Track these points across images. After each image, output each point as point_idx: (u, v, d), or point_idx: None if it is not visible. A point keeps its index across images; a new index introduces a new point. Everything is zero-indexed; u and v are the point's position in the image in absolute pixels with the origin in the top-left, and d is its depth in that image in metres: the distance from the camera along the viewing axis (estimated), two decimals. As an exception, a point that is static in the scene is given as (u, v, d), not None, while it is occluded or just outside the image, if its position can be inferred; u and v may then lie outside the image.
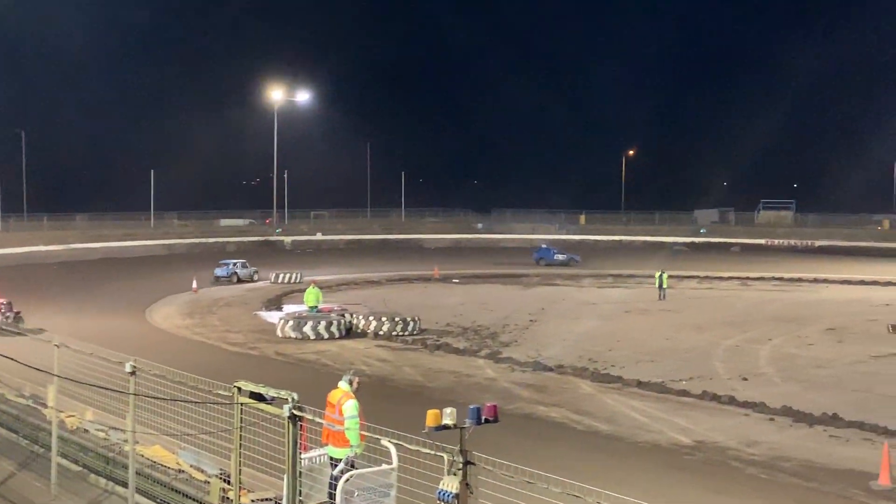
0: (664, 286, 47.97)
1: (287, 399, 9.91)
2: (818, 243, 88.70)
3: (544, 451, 18.86)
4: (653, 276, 50.29)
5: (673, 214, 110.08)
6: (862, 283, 57.46)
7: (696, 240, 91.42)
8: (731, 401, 23.87)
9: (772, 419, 22.20)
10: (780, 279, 59.09)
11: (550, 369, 28.31)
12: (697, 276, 60.44)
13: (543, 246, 75.98)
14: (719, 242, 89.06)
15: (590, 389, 25.78)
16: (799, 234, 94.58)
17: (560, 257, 70.34)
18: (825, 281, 58.38)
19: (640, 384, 25.99)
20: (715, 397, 24.25)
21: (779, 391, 25.31)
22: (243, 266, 58.59)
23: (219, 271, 57.26)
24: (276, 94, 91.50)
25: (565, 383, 26.62)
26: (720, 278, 59.82)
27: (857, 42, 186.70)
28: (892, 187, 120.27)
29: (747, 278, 59.33)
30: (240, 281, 56.79)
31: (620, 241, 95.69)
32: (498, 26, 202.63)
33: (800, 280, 58.85)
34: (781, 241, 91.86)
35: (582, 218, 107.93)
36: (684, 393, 24.95)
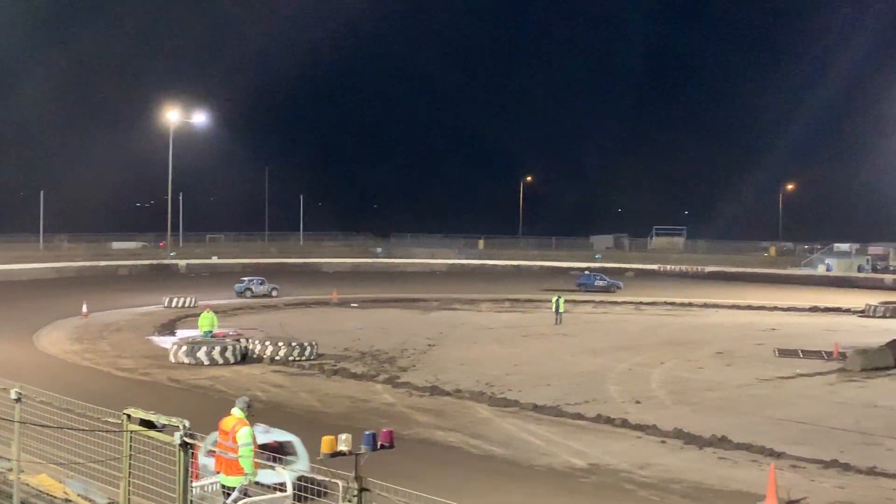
0: (561, 311, 48.62)
1: (178, 426, 9.73)
2: (708, 269, 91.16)
3: (441, 476, 18.86)
4: (549, 301, 50.95)
5: (570, 240, 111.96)
6: (749, 307, 59.20)
7: (592, 265, 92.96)
8: (625, 423, 24.27)
9: (663, 441, 22.64)
10: (672, 304, 60.50)
11: (448, 394, 28.38)
12: (593, 301, 61.45)
13: (586, 272, 75.89)
14: (614, 268, 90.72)
15: (487, 413, 25.91)
16: (690, 260, 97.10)
17: (601, 283, 70.55)
18: (715, 306, 59.99)
19: (536, 408, 26.23)
20: (609, 420, 24.63)
21: (670, 414, 25.85)
22: (260, 283, 63.60)
23: (237, 287, 62.53)
24: (173, 115, 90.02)
25: (463, 408, 26.69)
26: (615, 303, 60.94)
27: (745, 76, 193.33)
28: (779, 215, 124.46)
29: (641, 303, 60.55)
30: (254, 297, 61.12)
31: (518, 265, 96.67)
32: (399, 49, 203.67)
33: (690, 305, 60.36)
34: (673, 266, 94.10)
35: (481, 243, 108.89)
36: (579, 416, 25.27)
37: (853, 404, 28.36)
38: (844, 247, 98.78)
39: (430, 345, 39.91)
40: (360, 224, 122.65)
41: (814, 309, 58.89)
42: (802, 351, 38.57)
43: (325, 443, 9.84)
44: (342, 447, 9.99)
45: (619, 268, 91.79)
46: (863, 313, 55.87)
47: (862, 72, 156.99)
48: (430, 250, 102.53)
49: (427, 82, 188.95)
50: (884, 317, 54.15)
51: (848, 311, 57.79)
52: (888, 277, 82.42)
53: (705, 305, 60.08)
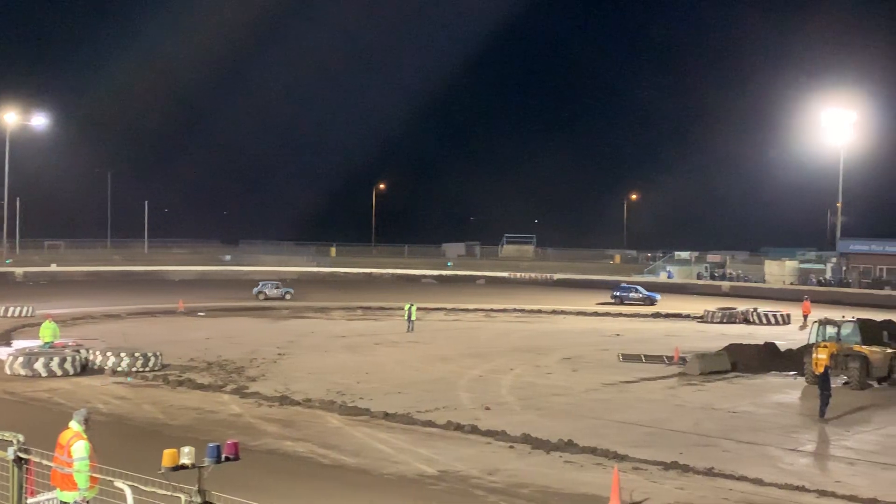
0: (413, 318, 48.77)
1: (12, 441, 9.28)
2: (556, 276, 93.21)
3: (289, 488, 18.58)
4: (402, 308, 51.05)
5: (422, 248, 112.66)
6: (595, 314, 60.78)
7: (444, 272, 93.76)
8: (474, 430, 24.46)
9: (512, 447, 22.92)
10: (522, 311, 61.57)
11: (298, 403, 28.02)
12: (445, 308, 61.93)
13: (622, 284, 75.08)
14: (466, 275, 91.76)
15: (338, 423, 25.68)
16: (539, 268, 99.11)
17: (636, 295, 70.26)
18: (563, 312, 61.37)
19: (387, 416, 26.16)
20: (459, 427, 24.77)
21: (519, 419, 26.22)
22: (274, 286, 67.98)
23: (254, 290, 67.67)
24: (10, 118, 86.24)
25: (313, 417, 26.39)
26: (466, 310, 61.58)
27: (596, 90, 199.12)
28: (623, 224, 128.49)
29: (492, 310, 61.38)
30: (267, 299, 65.60)
31: (370, 273, 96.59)
32: (247, 52, 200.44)
33: (539, 311, 61.56)
34: (523, 273, 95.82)
35: (332, 250, 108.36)
36: (430, 423, 25.34)
37: (692, 407, 29.42)
38: (685, 255, 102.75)
39: (279, 354, 39.34)
40: (209, 231, 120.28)
41: (656, 315, 60.95)
42: (645, 356, 39.83)
43: (167, 456, 9.49)
44: (185, 460, 9.66)
45: (471, 275, 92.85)
46: (701, 319, 58.16)
47: (704, 87, 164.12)
48: (280, 258, 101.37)
49: (275, 86, 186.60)
50: (721, 322, 56.49)
51: (688, 316, 60.05)
52: (725, 284, 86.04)
53: (554, 312, 61.38)
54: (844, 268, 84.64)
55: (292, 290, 68.44)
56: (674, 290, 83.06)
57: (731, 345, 39.34)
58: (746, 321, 56.99)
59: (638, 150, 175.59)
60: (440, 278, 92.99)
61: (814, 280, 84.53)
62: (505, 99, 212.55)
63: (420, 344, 43.59)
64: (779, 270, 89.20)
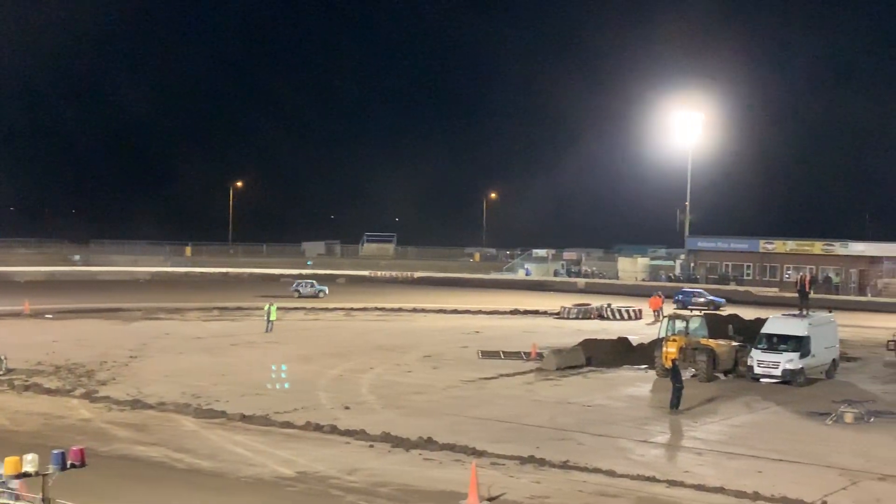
0: (272, 318, 48.07)
1: None
2: (417, 274, 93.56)
3: (141, 493, 18.07)
4: (260, 308, 50.28)
5: (281, 247, 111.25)
6: (455, 311, 61.27)
7: (304, 271, 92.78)
8: (334, 430, 24.31)
9: (371, 446, 22.88)
10: (383, 309, 61.51)
11: (151, 407, 27.26)
12: (304, 308, 61.30)
13: (684, 289, 72.15)
14: (326, 274, 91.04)
15: (193, 426, 25.10)
16: (400, 266, 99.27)
17: (700, 300, 67.29)
18: (423, 310, 61.61)
19: (244, 418, 25.73)
20: (318, 427, 24.58)
21: (379, 418, 26.18)
22: (310, 286, 71.44)
23: (290, 287, 72.19)
24: None
25: (167, 421, 25.72)
26: (326, 309, 61.08)
27: (456, 95, 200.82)
28: (483, 223, 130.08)
29: (352, 309, 61.12)
30: (301, 297, 68.31)
31: (227, 273, 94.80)
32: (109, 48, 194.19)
33: (400, 310, 61.63)
34: (384, 272, 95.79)
35: (188, 250, 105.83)
36: (288, 424, 25.05)
37: (549, 402, 29.98)
38: (542, 252, 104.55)
39: (132, 356, 38.15)
40: (57, 230, 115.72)
41: (514, 312, 61.81)
42: (504, 352, 40.36)
43: (8, 464, 9.08)
44: (28, 468, 9.27)
45: (331, 274, 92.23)
46: (558, 315, 59.29)
47: (564, 88, 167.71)
48: (133, 257, 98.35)
49: (104, 81, 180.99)
50: (577, 318, 57.69)
51: (545, 313, 61.14)
52: (581, 281, 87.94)
53: (414, 310, 61.54)
54: (693, 264, 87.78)
55: (326, 289, 71.36)
56: (532, 288, 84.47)
57: (586, 340, 40.24)
58: (601, 317, 58.32)
59: (498, 150, 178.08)
60: (301, 277, 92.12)
61: (664, 276, 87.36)
62: (365, 99, 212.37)
63: (279, 344, 43.01)
64: (631, 267, 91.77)
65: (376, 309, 61.56)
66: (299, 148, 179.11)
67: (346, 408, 27.74)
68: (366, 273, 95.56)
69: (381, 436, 23.52)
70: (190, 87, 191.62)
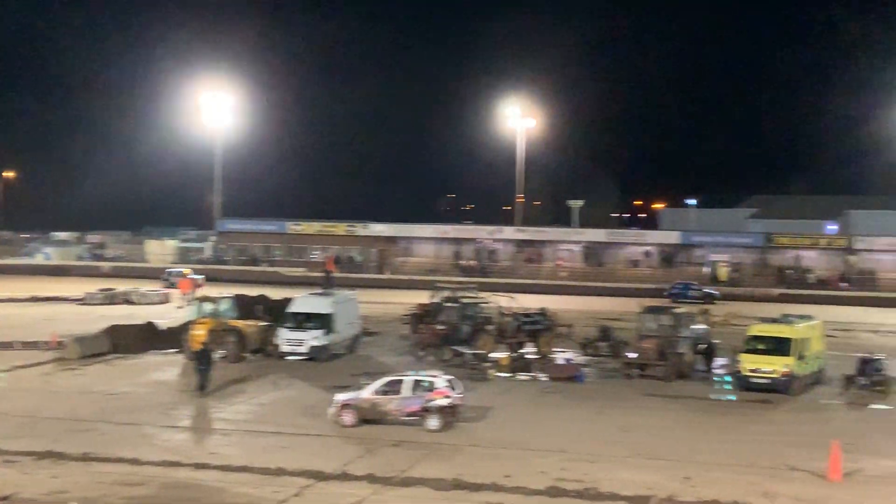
0: None
1: None
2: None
3: None
4: None
5: None
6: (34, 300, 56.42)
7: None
8: None
9: None
10: None
11: None
12: None
13: (678, 282, 70.91)
14: None
15: None
16: None
17: (695, 293, 67.73)
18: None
19: None
20: None
21: None
22: None
23: None
24: None
25: None
26: None
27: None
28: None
29: None
30: None
31: None
32: None
33: None
34: None
35: None
36: None
37: (69, 392, 28.54)
38: (63, 235, 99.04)
39: None
40: None
41: (33, 299, 57.87)
42: (21, 343, 37.64)
43: None
44: None
45: None
46: (82, 301, 56.48)
47: (79, 66, 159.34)
48: None
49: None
50: (102, 304, 55.37)
51: (67, 299, 57.91)
52: (106, 265, 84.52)
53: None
54: (223, 246, 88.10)
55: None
56: (53, 273, 79.53)
57: (111, 326, 38.68)
58: (128, 302, 56.56)
59: (21, 127, 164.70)
60: None
61: (194, 258, 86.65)
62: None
63: None
64: (160, 250, 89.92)
65: None
66: None
67: None
68: None
69: None
70: None
